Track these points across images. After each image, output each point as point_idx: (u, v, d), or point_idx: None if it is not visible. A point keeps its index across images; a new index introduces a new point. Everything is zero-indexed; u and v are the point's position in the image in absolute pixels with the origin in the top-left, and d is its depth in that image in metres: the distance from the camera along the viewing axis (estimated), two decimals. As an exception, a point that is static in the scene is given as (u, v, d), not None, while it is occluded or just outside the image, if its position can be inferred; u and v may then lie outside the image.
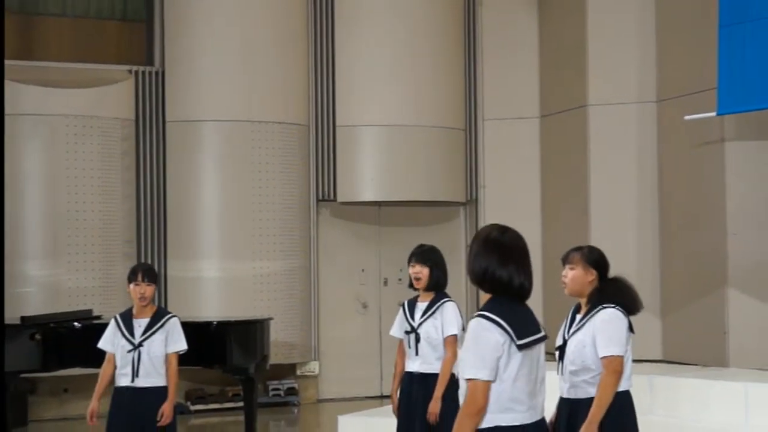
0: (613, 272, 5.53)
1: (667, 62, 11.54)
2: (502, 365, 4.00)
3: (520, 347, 4.02)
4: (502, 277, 4.08)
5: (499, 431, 3.99)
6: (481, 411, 3.97)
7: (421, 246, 6.75)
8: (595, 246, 5.63)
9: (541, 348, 4.16)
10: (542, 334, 4.16)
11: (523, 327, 4.06)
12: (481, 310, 4.07)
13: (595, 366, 5.25)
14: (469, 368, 4.00)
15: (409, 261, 6.68)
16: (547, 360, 4.32)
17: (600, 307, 5.32)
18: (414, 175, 12.48)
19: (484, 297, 4.15)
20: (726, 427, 8.48)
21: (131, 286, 6.71)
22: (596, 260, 5.45)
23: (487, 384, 3.97)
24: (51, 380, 11.07)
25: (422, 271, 6.60)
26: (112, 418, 6.66)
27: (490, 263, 4.09)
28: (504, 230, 4.20)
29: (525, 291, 4.13)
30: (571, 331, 5.37)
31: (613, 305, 5.32)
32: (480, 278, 4.13)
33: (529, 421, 4.06)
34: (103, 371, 6.76)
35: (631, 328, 5.37)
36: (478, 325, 4.03)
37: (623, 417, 5.30)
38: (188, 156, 11.93)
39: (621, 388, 5.27)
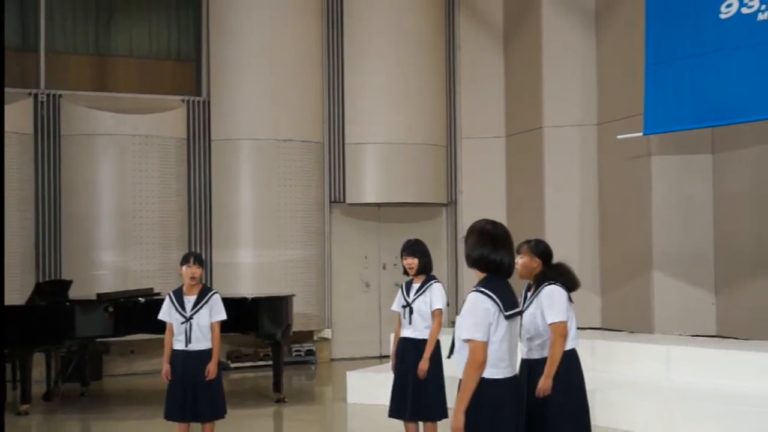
0: (561, 258, 5.52)
1: (605, 93, 11.55)
2: (492, 330, 3.99)
3: (507, 317, 4.03)
4: (495, 260, 4.07)
5: (487, 382, 3.98)
6: (482, 365, 3.95)
7: (409, 241, 6.69)
8: (541, 239, 5.60)
9: (519, 318, 4.16)
10: (520, 308, 4.18)
11: (508, 301, 4.06)
12: (478, 286, 4.05)
13: (545, 332, 5.26)
14: (466, 331, 3.98)
15: (402, 254, 6.64)
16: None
17: (544, 285, 5.32)
18: (406, 182, 12.47)
19: (478, 275, 4.11)
20: (651, 379, 8.50)
21: (183, 268, 6.58)
22: (540, 251, 5.43)
23: (485, 344, 3.96)
24: (121, 343, 11.06)
25: (413, 261, 6.58)
26: (170, 375, 6.61)
27: (486, 250, 4.08)
28: (494, 224, 4.20)
29: (511, 270, 4.14)
30: (525, 305, 5.37)
31: (553, 282, 5.32)
32: (477, 262, 4.10)
33: (508, 375, 4.08)
34: (167, 339, 6.65)
35: (570, 299, 5.37)
36: (475, 297, 4.01)
37: (571, 370, 5.30)
38: (229, 167, 11.92)
39: (568, 347, 5.28)
